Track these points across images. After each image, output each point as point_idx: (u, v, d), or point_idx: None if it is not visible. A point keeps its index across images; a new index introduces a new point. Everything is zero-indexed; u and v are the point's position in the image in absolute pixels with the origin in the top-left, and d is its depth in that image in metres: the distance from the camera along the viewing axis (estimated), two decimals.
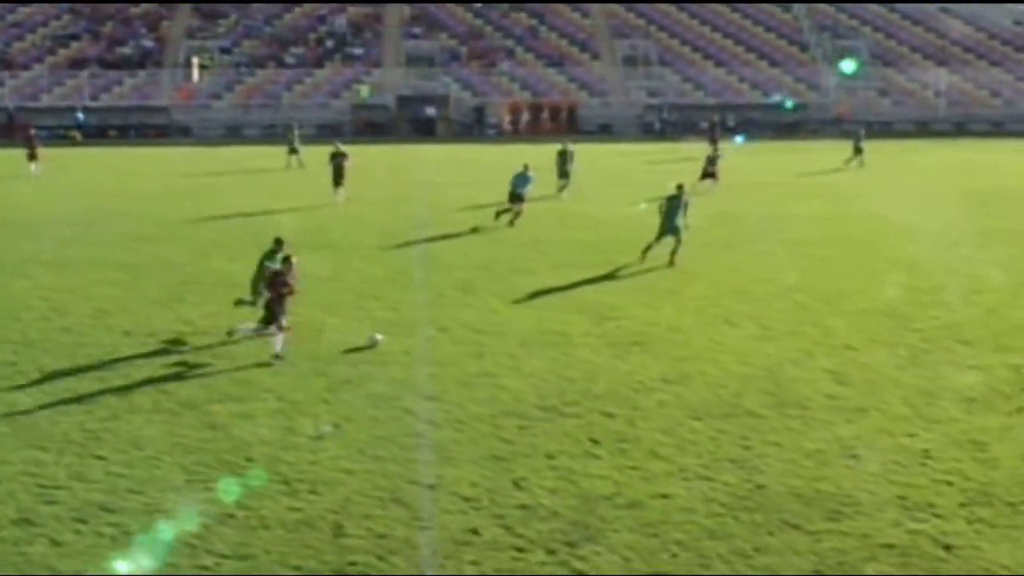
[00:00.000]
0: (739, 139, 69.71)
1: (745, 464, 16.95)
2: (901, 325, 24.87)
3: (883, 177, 52.75)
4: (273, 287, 22.32)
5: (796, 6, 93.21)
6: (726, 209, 40.68)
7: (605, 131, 79.12)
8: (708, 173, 46.58)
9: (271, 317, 22.19)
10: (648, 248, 30.83)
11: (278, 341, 22.02)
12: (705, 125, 69.93)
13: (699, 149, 56.42)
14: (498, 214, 37.66)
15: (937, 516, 15.15)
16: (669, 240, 30.70)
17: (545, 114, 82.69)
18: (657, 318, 25.56)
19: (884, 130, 77.67)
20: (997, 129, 78.94)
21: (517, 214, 37.57)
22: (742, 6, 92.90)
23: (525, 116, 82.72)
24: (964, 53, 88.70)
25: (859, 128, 60.86)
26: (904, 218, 39.37)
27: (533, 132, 78.41)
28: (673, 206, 30.77)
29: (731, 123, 76.89)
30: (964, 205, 43.33)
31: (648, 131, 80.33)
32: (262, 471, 16.47)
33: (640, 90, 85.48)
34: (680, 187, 31.27)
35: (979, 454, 17.33)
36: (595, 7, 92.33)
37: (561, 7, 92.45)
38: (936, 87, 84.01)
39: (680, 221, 30.69)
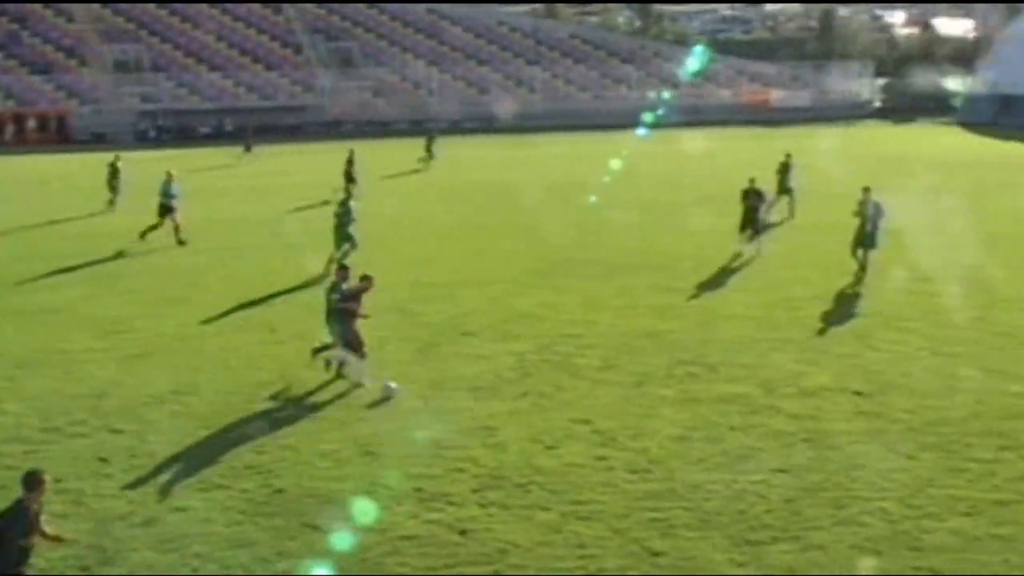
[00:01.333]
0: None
1: (262, 469, 16.81)
2: (411, 320, 25.42)
3: (395, 179, 53.80)
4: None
5: (287, 8, 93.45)
6: (227, 216, 40.28)
7: (100, 140, 76.25)
8: None
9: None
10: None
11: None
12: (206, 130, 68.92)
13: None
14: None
15: (452, 504, 15.56)
16: None
17: (32, 124, 79.03)
18: (164, 328, 24.96)
19: (381, 131, 79.37)
20: (488, 126, 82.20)
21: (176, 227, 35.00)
22: (232, 8, 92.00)
23: (9, 127, 78.71)
24: (453, 52, 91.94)
25: (433, 129, 61.75)
26: (402, 215, 40.31)
27: (19, 143, 74.87)
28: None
29: (229, 127, 76.33)
30: (450, 200, 44.83)
31: (143, 139, 78.21)
32: None
33: (133, 97, 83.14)
34: None
35: (489, 439, 17.94)
36: (80, 11, 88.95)
37: (43, 11, 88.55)
38: (429, 86, 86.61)
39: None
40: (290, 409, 19.51)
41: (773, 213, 36.77)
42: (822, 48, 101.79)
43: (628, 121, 70.21)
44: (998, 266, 29.64)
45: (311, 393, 20.30)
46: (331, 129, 79.93)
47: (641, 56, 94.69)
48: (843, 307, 25.98)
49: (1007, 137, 68.82)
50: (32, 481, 11.81)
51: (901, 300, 26.35)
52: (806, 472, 16.48)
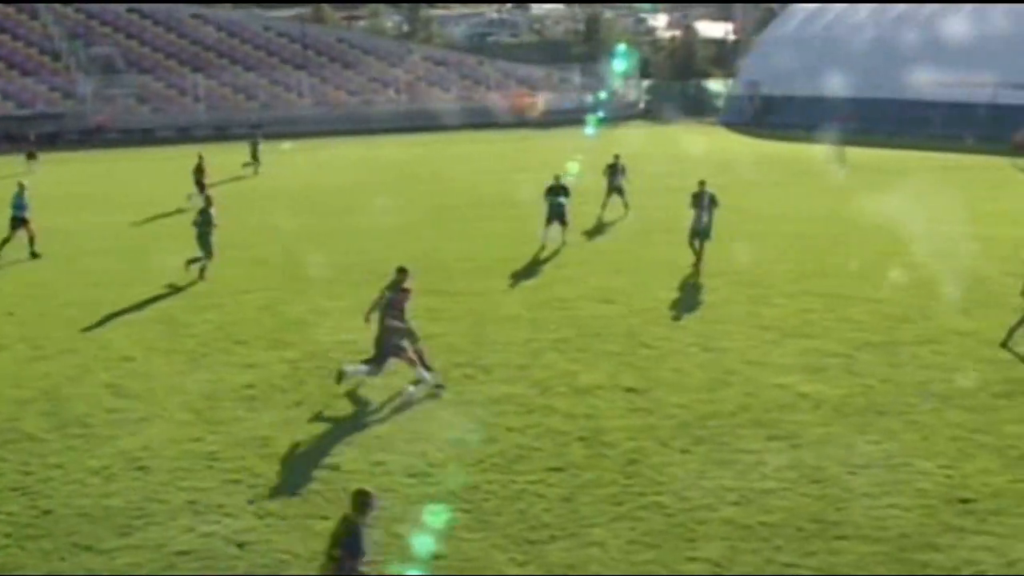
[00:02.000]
0: None
1: (28, 490, 16.21)
2: (178, 331, 24.87)
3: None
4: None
5: (44, 14, 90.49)
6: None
7: None
8: None
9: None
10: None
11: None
12: None
13: None
14: None
15: (228, 515, 15.27)
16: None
17: None
18: None
19: (146, 138, 77.62)
20: (255, 132, 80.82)
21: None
22: None
23: None
24: (219, 59, 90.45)
25: (257, 134, 60.05)
26: (180, 222, 39.52)
27: None
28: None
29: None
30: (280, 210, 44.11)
31: None
32: None
33: None
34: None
35: (264, 449, 17.66)
36: None
37: None
38: (195, 92, 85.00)
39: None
40: (54, 428, 18.84)
41: (607, 211, 38.20)
42: (589, 51, 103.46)
43: (397, 125, 70.14)
44: (765, 262, 30.57)
45: (74, 410, 19.65)
46: (92, 137, 77.72)
47: (409, 60, 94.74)
48: (614, 305, 26.39)
49: (766, 137, 71.16)
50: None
51: (671, 297, 26.94)
52: (582, 470, 16.67)
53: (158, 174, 57.14)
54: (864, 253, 31.64)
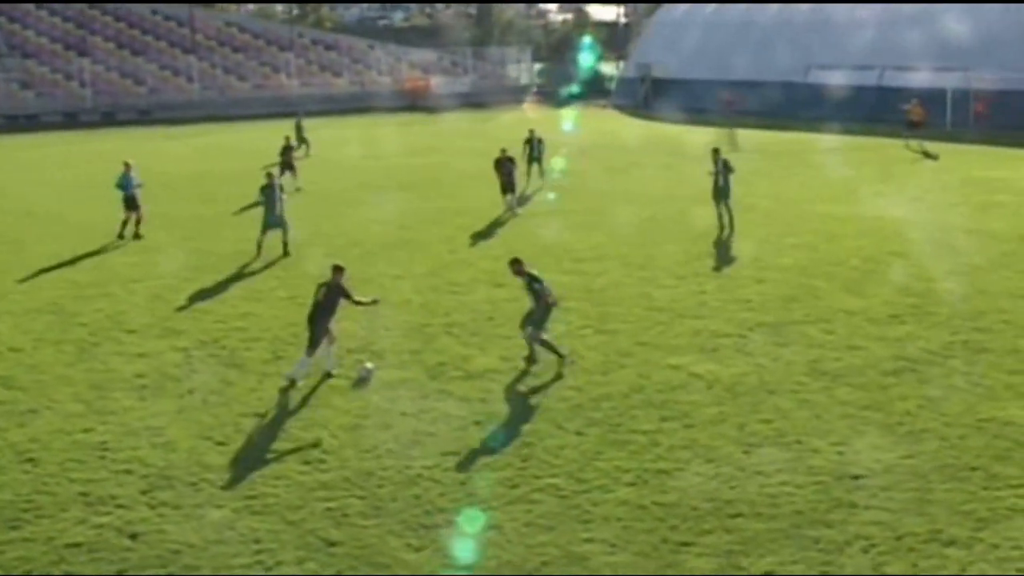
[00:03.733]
0: None
1: None
2: (67, 321, 24.48)
3: (30, 173, 51.74)
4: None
5: None
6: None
7: None
8: None
9: None
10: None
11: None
12: None
13: None
14: None
15: (121, 507, 15.07)
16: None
17: None
18: None
19: (31, 124, 76.25)
20: (144, 117, 79.98)
21: None
22: None
23: None
24: (106, 43, 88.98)
25: (299, 113, 58.62)
26: (62, 212, 38.88)
27: None
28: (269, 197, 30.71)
29: None
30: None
31: None
32: None
33: None
34: (270, 175, 31.41)
35: (156, 439, 17.46)
36: None
37: None
38: (80, 78, 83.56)
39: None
40: None
41: (527, 184, 40.24)
42: (481, 34, 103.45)
43: (289, 110, 69.44)
44: (653, 243, 30.83)
45: None
46: None
47: (300, 44, 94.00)
48: (506, 289, 26.38)
49: (657, 119, 71.63)
50: None
51: (563, 280, 27.02)
52: (477, 454, 16.70)
53: (44, 161, 56.17)
54: (754, 234, 32.01)
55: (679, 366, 20.49)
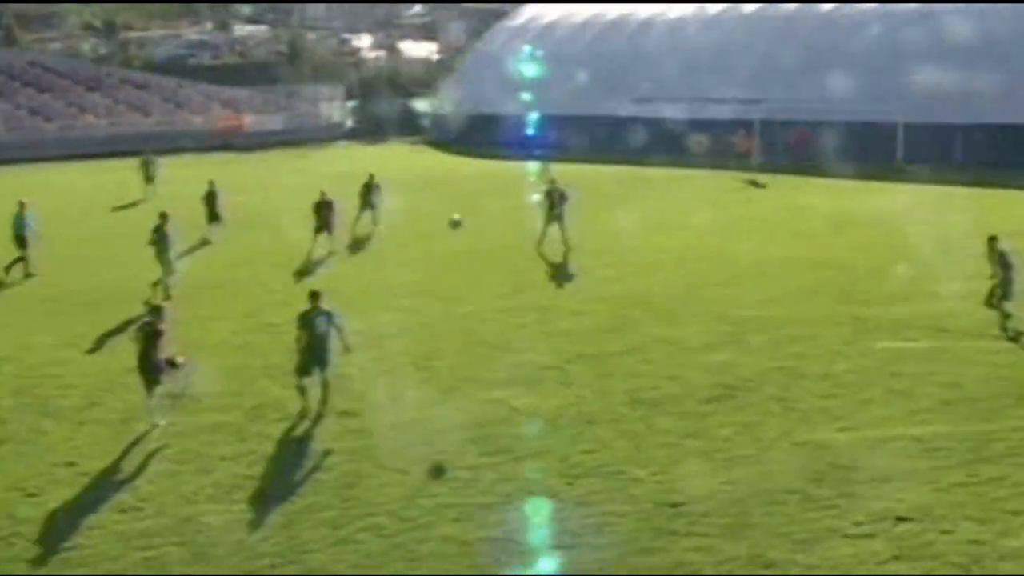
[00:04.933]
0: None
1: None
2: None
3: None
4: None
5: None
6: None
7: None
8: None
9: None
10: None
11: None
12: None
13: None
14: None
15: None
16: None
17: None
18: None
19: None
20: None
21: None
22: None
23: None
24: None
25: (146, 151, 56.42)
26: None
27: None
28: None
29: None
30: None
31: None
32: None
33: None
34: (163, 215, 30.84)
35: None
36: None
37: None
38: None
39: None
40: None
41: (360, 227, 39.30)
42: (293, 72, 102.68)
43: (99, 150, 67.97)
44: (473, 279, 30.90)
45: None
46: None
47: (108, 84, 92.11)
48: None
49: (472, 155, 71.86)
50: None
51: (382, 319, 26.81)
52: (300, 496, 16.45)
53: None
54: (573, 266, 32.31)
55: (501, 400, 20.51)
